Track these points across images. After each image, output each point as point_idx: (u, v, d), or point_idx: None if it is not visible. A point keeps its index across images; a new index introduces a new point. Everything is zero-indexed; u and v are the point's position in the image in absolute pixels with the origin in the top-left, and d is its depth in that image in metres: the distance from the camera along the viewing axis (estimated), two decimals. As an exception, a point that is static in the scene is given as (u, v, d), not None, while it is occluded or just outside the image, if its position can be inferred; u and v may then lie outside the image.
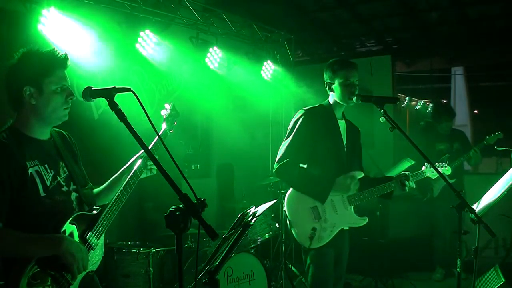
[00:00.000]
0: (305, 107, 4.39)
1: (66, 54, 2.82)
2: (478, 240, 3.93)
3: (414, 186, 4.30)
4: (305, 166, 4.28)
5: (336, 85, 4.27)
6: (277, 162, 4.27)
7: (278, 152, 4.30)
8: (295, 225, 4.24)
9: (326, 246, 4.19)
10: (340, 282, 4.42)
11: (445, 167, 4.53)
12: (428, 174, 4.45)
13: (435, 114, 7.49)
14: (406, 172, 4.30)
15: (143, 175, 3.24)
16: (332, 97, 4.34)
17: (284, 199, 4.38)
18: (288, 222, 4.32)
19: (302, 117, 4.29)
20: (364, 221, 4.34)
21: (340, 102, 4.29)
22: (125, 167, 3.30)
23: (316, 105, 4.43)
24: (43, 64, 2.72)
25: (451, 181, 6.66)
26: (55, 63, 2.76)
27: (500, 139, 6.72)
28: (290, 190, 4.34)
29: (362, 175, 4.34)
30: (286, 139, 4.31)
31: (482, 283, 5.35)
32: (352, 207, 4.28)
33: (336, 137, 4.33)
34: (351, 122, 4.56)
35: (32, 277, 2.51)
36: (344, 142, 4.37)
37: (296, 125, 4.28)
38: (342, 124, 4.40)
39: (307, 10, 8.70)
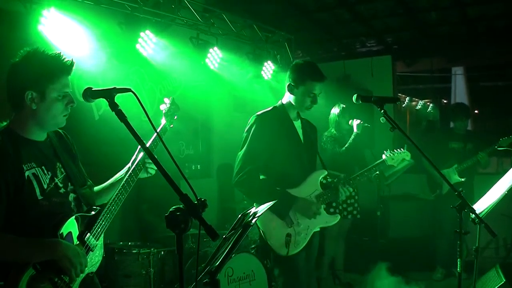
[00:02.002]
0: (257, 112, 4.31)
1: (72, 61, 2.77)
2: (479, 240, 3.93)
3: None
4: (263, 176, 4.21)
5: (298, 92, 4.22)
6: (236, 174, 4.16)
7: (236, 163, 4.20)
8: (269, 235, 4.14)
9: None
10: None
11: (404, 152, 4.59)
12: (389, 163, 4.53)
13: (451, 113, 7.52)
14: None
15: (142, 175, 3.19)
16: (288, 98, 4.30)
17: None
18: (262, 233, 4.17)
19: (255, 123, 4.20)
20: (336, 218, 4.33)
21: (296, 107, 4.28)
22: (128, 165, 3.27)
23: (269, 108, 4.35)
24: (48, 69, 2.67)
25: (461, 179, 6.76)
26: (60, 69, 2.71)
27: None
28: None
29: (326, 173, 4.33)
30: (241, 148, 4.21)
31: (483, 283, 5.35)
32: (323, 206, 4.26)
33: (294, 138, 4.29)
34: (308, 121, 4.53)
35: (31, 279, 2.50)
36: (302, 141, 4.33)
37: (250, 133, 4.19)
38: (297, 124, 4.36)
39: (307, 10, 8.69)
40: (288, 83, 4.27)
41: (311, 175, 4.28)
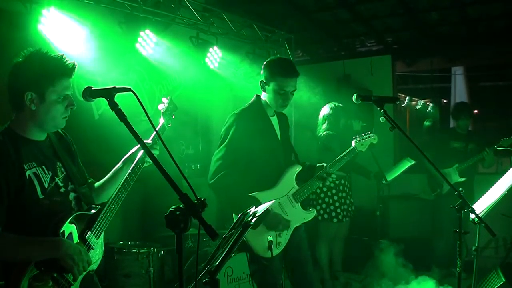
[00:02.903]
0: (235, 110, 4.21)
1: (74, 63, 2.77)
2: (479, 240, 3.93)
3: (335, 177, 4.44)
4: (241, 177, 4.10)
5: (270, 89, 4.14)
6: (212, 175, 4.03)
7: (212, 163, 4.08)
8: (251, 239, 4.08)
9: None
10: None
11: (372, 136, 4.69)
12: (359, 149, 4.63)
13: (454, 112, 7.52)
14: (324, 165, 4.36)
15: (146, 164, 3.18)
16: (264, 96, 4.23)
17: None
18: (245, 239, 4.09)
19: (235, 123, 4.09)
20: (312, 213, 4.35)
21: (270, 105, 4.21)
22: (126, 157, 3.28)
23: (246, 105, 4.27)
24: (49, 71, 2.67)
25: (461, 179, 6.76)
26: (62, 72, 2.71)
27: None
28: None
29: (300, 168, 4.29)
30: (219, 147, 4.10)
31: (483, 284, 5.36)
32: (299, 203, 4.26)
33: (271, 136, 4.23)
34: (283, 113, 4.47)
35: (33, 278, 2.51)
36: (279, 138, 4.30)
37: (229, 133, 4.08)
38: (274, 120, 4.30)
39: (307, 10, 8.69)
40: (260, 80, 4.20)
41: (286, 172, 4.24)
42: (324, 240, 6.83)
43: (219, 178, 4.00)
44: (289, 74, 4.11)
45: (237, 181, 4.03)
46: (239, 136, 4.06)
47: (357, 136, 4.66)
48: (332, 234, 6.83)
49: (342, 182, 6.66)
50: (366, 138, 4.65)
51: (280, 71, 4.10)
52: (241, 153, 4.04)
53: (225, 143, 4.08)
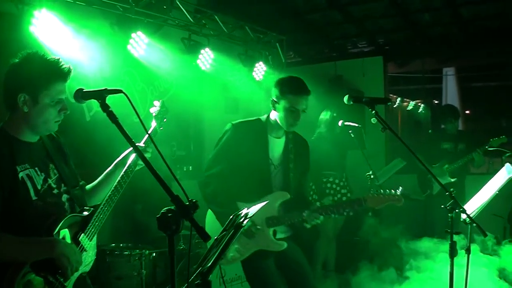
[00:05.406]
0: (235, 121, 4.21)
1: (69, 68, 2.77)
2: (470, 240, 3.94)
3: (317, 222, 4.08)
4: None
5: (280, 107, 4.05)
6: (203, 173, 4.20)
7: (205, 163, 4.25)
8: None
9: (262, 257, 4.02)
10: None
11: None
12: None
13: (440, 115, 7.57)
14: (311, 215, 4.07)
15: (138, 167, 3.18)
16: (274, 116, 4.14)
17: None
18: None
19: (228, 132, 4.13)
20: (281, 247, 4.04)
21: (280, 125, 4.11)
22: (118, 160, 3.26)
23: (251, 119, 4.22)
24: (44, 74, 2.68)
25: (451, 180, 6.80)
26: (56, 75, 2.71)
27: (504, 143, 6.74)
28: None
29: (288, 197, 4.10)
30: (213, 149, 4.23)
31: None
32: (271, 230, 4.04)
33: (260, 156, 4.12)
34: (300, 138, 4.36)
35: (27, 281, 2.50)
36: (277, 161, 4.17)
37: (221, 140, 4.16)
38: (278, 142, 4.20)
39: (299, 11, 8.71)
40: (271, 99, 4.13)
41: (272, 195, 4.08)
42: (323, 237, 6.89)
43: (204, 177, 4.17)
44: (300, 92, 4.05)
45: (219, 182, 4.11)
46: (227, 144, 4.13)
47: None
48: (330, 232, 6.89)
49: (331, 179, 6.73)
50: None
51: (291, 89, 4.03)
52: (227, 160, 4.11)
53: (216, 148, 4.19)
